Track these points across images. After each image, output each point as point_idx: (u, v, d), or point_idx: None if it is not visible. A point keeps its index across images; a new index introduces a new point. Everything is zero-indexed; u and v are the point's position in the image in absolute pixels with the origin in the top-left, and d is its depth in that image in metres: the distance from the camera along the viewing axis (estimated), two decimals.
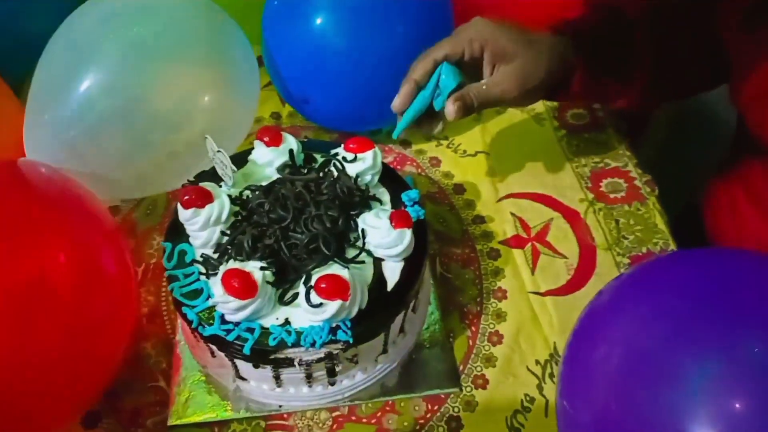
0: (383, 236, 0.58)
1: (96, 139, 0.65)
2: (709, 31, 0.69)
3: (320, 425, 0.61)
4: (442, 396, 0.63)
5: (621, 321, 0.51)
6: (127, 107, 0.65)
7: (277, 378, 0.59)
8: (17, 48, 0.68)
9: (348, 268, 0.56)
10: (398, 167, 0.82)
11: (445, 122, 0.67)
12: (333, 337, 0.54)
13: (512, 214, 0.77)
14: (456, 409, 0.62)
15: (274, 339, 0.54)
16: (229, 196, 0.61)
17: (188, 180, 0.64)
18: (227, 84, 0.72)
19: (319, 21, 0.73)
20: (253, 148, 0.67)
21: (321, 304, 0.53)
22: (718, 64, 0.70)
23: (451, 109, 0.63)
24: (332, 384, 0.61)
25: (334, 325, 0.55)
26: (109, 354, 0.58)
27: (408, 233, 0.58)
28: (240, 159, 0.66)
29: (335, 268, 0.55)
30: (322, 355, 0.56)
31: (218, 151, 0.61)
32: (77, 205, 0.60)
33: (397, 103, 0.65)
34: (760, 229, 0.75)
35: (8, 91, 0.70)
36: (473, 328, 0.67)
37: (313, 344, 0.54)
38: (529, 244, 0.74)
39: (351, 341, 0.54)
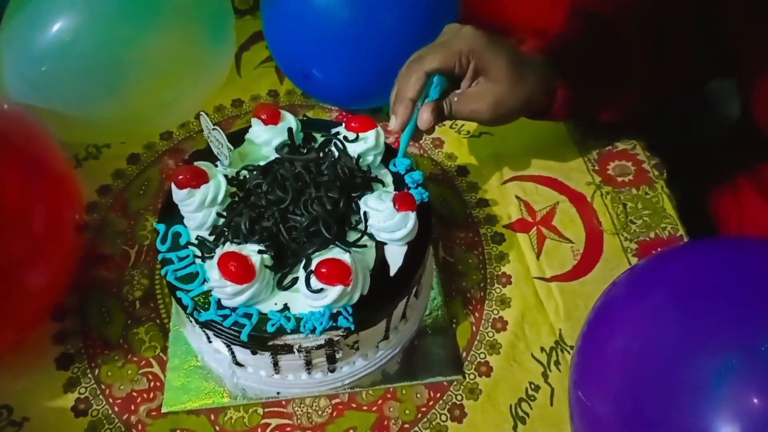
0: (386, 219, 0.55)
1: (59, 81, 0.66)
2: (711, 27, 0.67)
3: (319, 413, 0.59)
4: (445, 383, 0.61)
5: (637, 312, 0.49)
6: (95, 53, 0.66)
7: (275, 364, 0.57)
8: None
9: (349, 252, 0.54)
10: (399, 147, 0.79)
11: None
12: (334, 324, 0.52)
13: (517, 197, 0.75)
14: (459, 397, 0.60)
15: (273, 325, 0.52)
16: (226, 176, 0.59)
17: (182, 160, 0.61)
18: (197, 34, 0.73)
19: None
20: (250, 126, 0.64)
21: (321, 290, 0.51)
22: (717, 60, 0.68)
23: (426, 117, 0.61)
24: (332, 371, 0.59)
25: (335, 311, 0.52)
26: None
27: (412, 216, 0.56)
28: (237, 137, 0.64)
29: (336, 252, 0.53)
30: (323, 342, 0.54)
31: (214, 129, 0.59)
32: (28, 139, 0.62)
33: (395, 125, 0.62)
34: (764, 216, 0.74)
35: None
36: (477, 314, 0.65)
37: (313, 331, 0.52)
38: (535, 228, 0.72)
39: (352, 328, 0.52)
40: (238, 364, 0.59)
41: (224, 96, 0.84)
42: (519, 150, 0.79)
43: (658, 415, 0.42)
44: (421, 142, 0.80)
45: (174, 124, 0.81)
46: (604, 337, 0.49)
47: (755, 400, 0.41)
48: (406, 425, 0.59)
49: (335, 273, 0.51)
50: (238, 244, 0.54)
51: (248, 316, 0.52)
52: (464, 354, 0.63)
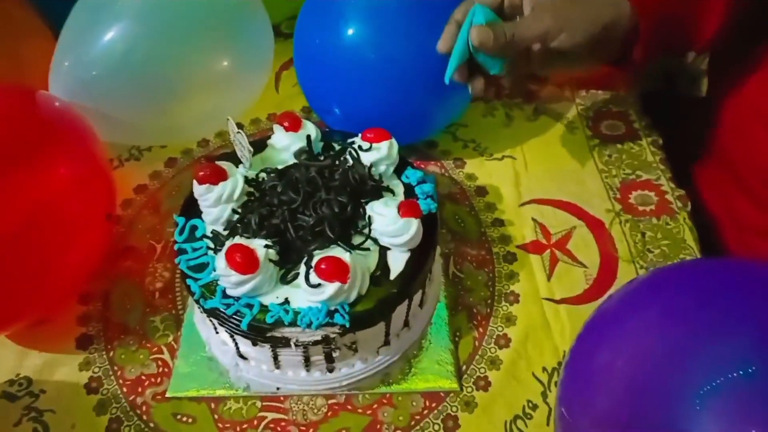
0: (389, 224, 0.57)
1: (109, 86, 0.71)
2: None
3: (315, 411, 0.61)
4: (442, 394, 0.61)
5: (626, 328, 0.49)
6: (144, 64, 0.71)
7: (275, 359, 0.59)
8: None
9: (351, 252, 0.56)
10: (422, 167, 0.81)
11: (490, 81, 0.64)
12: (330, 320, 0.54)
13: (533, 219, 0.75)
14: (454, 408, 0.60)
15: (272, 317, 0.54)
16: (246, 177, 0.62)
17: (207, 159, 0.65)
18: (240, 53, 0.77)
19: (350, 32, 0.70)
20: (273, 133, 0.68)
21: (319, 285, 0.53)
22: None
23: (474, 34, 0.59)
24: (330, 371, 0.61)
25: (332, 308, 0.54)
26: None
27: (415, 223, 0.57)
28: (260, 143, 0.67)
29: (338, 252, 0.55)
30: (319, 338, 0.55)
31: (238, 132, 0.63)
32: (74, 136, 0.68)
33: (440, 45, 0.63)
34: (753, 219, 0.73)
35: (47, 32, 0.80)
36: (480, 330, 0.66)
37: (309, 325, 0.54)
38: (548, 250, 0.72)
39: (348, 326, 0.54)
40: (241, 356, 0.61)
41: (261, 110, 0.89)
42: (540, 174, 0.80)
43: None
44: (443, 161, 0.82)
45: (211, 133, 0.86)
46: (590, 352, 0.49)
47: (738, 422, 0.40)
48: (398, 431, 0.59)
49: (334, 270, 0.53)
50: (248, 238, 0.57)
51: (250, 306, 0.55)
52: (464, 367, 0.63)
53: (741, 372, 0.41)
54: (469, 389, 0.61)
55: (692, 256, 0.70)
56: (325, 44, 0.73)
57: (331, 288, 0.53)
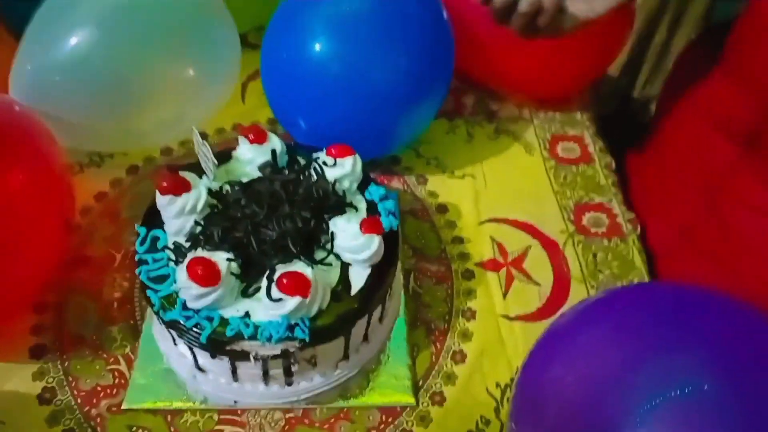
0: (351, 240, 0.58)
1: (70, 92, 0.70)
2: None
3: (272, 425, 0.61)
4: (398, 409, 0.62)
5: (576, 347, 0.51)
6: (105, 70, 0.70)
7: (233, 372, 0.59)
8: (25, 3, 0.73)
9: (313, 267, 0.57)
10: (385, 183, 0.82)
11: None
12: (290, 334, 0.55)
13: (491, 238, 0.77)
14: (410, 423, 0.61)
15: (232, 330, 0.55)
16: (209, 189, 0.63)
17: (170, 169, 0.65)
18: (203, 62, 0.77)
19: (317, 46, 0.71)
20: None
21: (280, 299, 0.54)
22: None
23: None
24: (289, 384, 0.61)
25: (292, 322, 0.55)
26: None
27: (376, 239, 0.59)
28: (224, 155, 0.68)
29: (300, 266, 0.56)
30: (278, 352, 0.56)
31: (203, 144, 0.63)
32: (33, 141, 0.67)
33: None
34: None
35: (7, 36, 0.80)
36: (438, 345, 0.67)
37: (269, 339, 0.54)
38: (505, 268, 0.74)
39: (308, 340, 0.55)
40: (199, 369, 0.61)
41: (226, 119, 0.89)
42: (499, 194, 0.82)
43: None
44: (405, 177, 0.84)
45: (174, 141, 0.86)
46: (541, 369, 0.51)
47: None
48: None
49: (295, 284, 0.54)
50: (210, 250, 0.57)
51: (210, 319, 0.55)
52: (421, 382, 0.64)
53: (678, 391, 0.44)
54: (425, 404, 0.63)
55: (641, 277, 0.74)
56: (292, 58, 0.74)
57: (292, 302, 0.54)
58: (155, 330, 0.66)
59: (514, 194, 0.82)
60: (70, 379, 0.63)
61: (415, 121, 0.80)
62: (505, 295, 0.72)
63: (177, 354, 0.63)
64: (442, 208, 0.80)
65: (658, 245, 0.79)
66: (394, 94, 0.72)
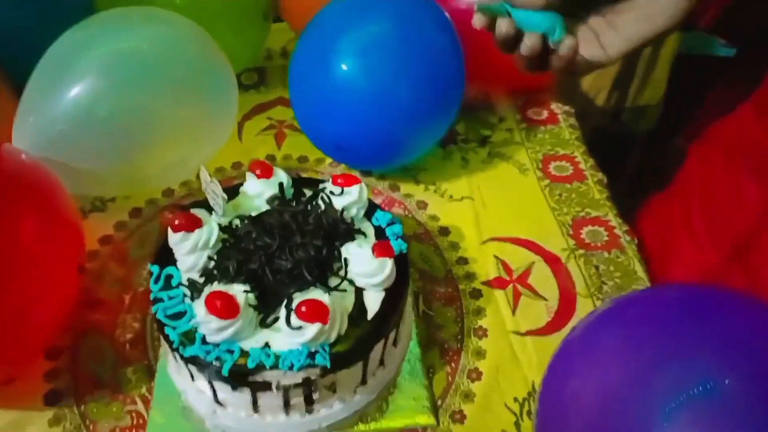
0: (365, 265, 0.60)
1: (74, 140, 0.71)
2: None
3: None
4: (420, 429, 0.63)
5: (593, 356, 0.52)
6: (108, 117, 0.71)
7: (254, 403, 0.59)
8: (26, 55, 0.74)
9: (329, 293, 0.58)
10: (386, 209, 0.84)
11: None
12: (311, 362, 0.55)
13: (495, 256, 0.79)
14: None
15: (253, 361, 0.55)
16: (219, 224, 0.64)
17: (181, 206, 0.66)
18: (204, 105, 0.79)
19: (344, 67, 0.75)
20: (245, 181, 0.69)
21: (300, 327, 0.55)
22: None
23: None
24: (309, 413, 0.61)
25: (313, 349, 0.56)
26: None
27: (389, 263, 0.60)
28: (232, 191, 0.69)
29: (317, 294, 0.57)
30: (300, 380, 0.56)
31: (212, 181, 0.64)
32: (42, 188, 0.68)
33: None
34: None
35: (8, 88, 0.79)
36: (453, 365, 0.68)
37: (291, 367, 0.55)
38: (511, 285, 0.76)
39: (329, 366, 0.55)
40: (219, 403, 0.61)
41: (226, 159, 0.91)
42: (498, 214, 0.84)
43: None
44: (407, 203, 0.85)
45: (176, 182, 0.87)
46: (561, 382, 0.52)
47: None
48: None
49: (314, 312, 0.55)
50: (225, 284, 0.58)
51: (230, 351, 0.56)
52: (439, 402, 0.65)
53: (700, 388, 0.45)
54: (446, 423, 0.63)
55: (643, 285, 0.75)
56: (320, 76, 0.78)
57: (312, 329, 0.55)
58: (171, 368, 0.66)
59: (512, 213, 0.84)
60: (88, 422, 0.63)
61: (431, 132, 0.84)
62: (513, 311, 0.73)
63: (195, 390, 0.63)
64: (444, 231, 0.82)
65: None
66: (411, 107, 0.77)
